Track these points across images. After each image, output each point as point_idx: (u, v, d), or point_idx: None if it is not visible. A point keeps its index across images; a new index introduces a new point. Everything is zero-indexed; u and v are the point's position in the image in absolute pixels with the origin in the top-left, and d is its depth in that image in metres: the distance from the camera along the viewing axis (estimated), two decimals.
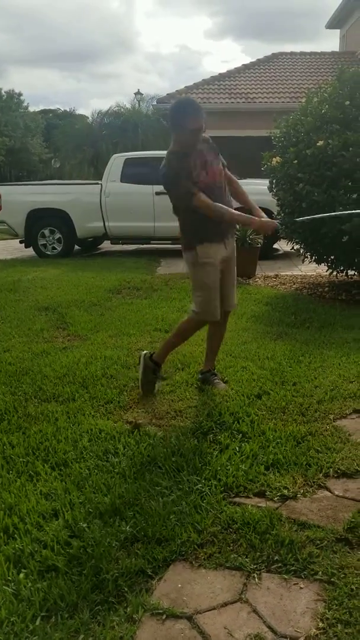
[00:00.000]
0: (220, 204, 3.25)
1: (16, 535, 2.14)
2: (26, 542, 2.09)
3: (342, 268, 6.44)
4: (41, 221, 10.14)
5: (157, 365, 3.51)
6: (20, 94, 60.68)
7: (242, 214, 3.39)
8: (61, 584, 1.88)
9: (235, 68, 20.60)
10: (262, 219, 3.38)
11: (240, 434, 2.90)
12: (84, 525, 2.18)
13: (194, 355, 4.05)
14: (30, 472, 2.59)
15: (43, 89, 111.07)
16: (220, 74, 20.12)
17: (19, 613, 1.78)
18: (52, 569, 1.97)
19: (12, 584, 1.90)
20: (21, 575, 1.94)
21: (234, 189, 3.48)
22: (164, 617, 1.77)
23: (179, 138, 3.22)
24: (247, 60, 28.62)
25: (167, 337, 3.63)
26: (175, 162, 3.23)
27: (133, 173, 9.91)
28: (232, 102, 18.45)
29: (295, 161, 5.91)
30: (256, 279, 7.48)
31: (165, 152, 3.40)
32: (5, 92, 58.97)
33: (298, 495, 2.38)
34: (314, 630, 1.70)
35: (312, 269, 7.83)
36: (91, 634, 1.71)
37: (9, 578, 1.93)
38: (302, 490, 2.42)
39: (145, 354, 3.53)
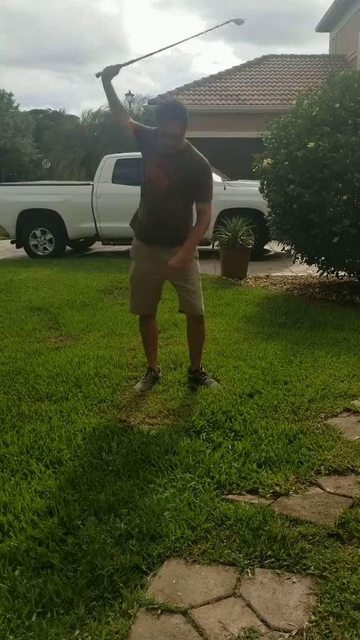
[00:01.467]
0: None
1: (11, 533, 2.16)
2: (21, 539, 2.11)
3: (332, 269, 6.49)
4: (32, 222, 10.12)
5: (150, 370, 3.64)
6: (11, 94, 60.49)
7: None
8: (56, 581, 1.90)
9: (226, 70, 20.67)
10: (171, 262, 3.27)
11: (233, 433, 2.93)
12: (79, 522, 2.20)
13: (187, 355, 4.07)
14: (25, 471, 2.60)
15: (34, 90, 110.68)
16: (211, 75, 20.17)
17: (15, 609, 1.80)
18: (47, 565, 1.99)
19: (8, 580, 1.92)
20: (17, 572, 1.96)
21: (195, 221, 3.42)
22: (159, 612, 1.79)
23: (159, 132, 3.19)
24: (238, 62, 28.74)
25: (195, 349, 3.70)
26: (148, 128, 3.26)
27: (124, 174, 9.90)
28: (223, 104, 18.51)
29: (286, 163, 5.96)
30: (247, 280, 7.52)
31: None
32: None
33: (290, 492, 2.42)
34: (307, 623, 1.73)
35: (302, 270, 7.88)
36: (87, 629, 1.73)
37: (5, 575, 1.94)
38: (294, 487, 2.45)
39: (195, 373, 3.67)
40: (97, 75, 3.34)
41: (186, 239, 3.29)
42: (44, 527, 2.17)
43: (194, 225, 3.35)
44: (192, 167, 3.20)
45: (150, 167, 3.26)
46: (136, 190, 3.54)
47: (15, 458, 2.71)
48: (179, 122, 3.07)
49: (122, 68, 3.34)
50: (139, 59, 3.55)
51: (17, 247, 10.42)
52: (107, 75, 3.31)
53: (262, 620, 1.75)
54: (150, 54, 3.67)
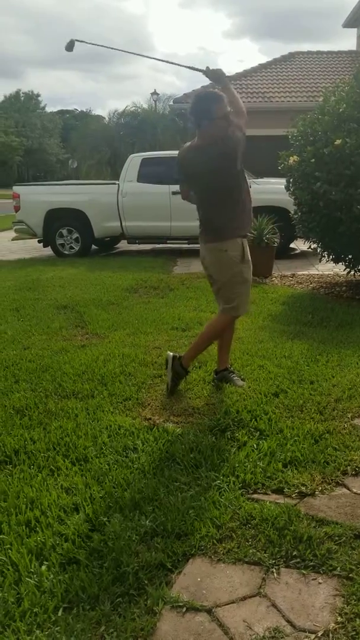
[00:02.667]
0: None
1: (38, 529, 2.18)
2: (48, 535, 2.14)
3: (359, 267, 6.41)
4: (59, 221, 10.20)
5: (187, 372, 3.55)
6: (38, 95, 61.24)
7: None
8: (82, 576, 1.92)
9: (252, 67, 20.55)
10: None
11: (258, 432, 2.92)
12: (105, 519, 2.21)
13: (211, 354, 4.06)
14: (51, 467, 2.63)
15: (60, 90, 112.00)
16: (236, 73, 20.06)
17: (41, 604, 1.82)
18: (73, 561, 2.01)
19: (35, 575, 1.94)
20: (43, 567, 1.98)
21: None
22: (184, 610, 1.79)
23: (208, 128, 3.21)
24: (264, 59, 28.57)
25: (195, 341, 3.62)
26: (223, 144, 3.20)
27: (150, 173, 9.93)
28: (249, 101, 18.37)
29: (313, 160, 5.90)
30: (273, 278, 7.47)
31: None
32: (23, 93, 59.52)
33: (316, 493, 2.40)
34: (333, 624, 1.72)
35: (329, 268, 7.80)
36: (112, 626, 1.74)
37: (32, 570, 1.97)
38: (320, 488, 2.43)
39: (173, 359, 3.48)
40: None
41: None
42: (70, 523, 2.19)
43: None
44: (234, 134, 3.25)
45: (240, 163, 3.26)
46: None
47: (42, 454, 2.74)
48: (225, 101, 3.20)
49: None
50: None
51: (44, 246, 10.52)
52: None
53: (288, 621, 1.74)
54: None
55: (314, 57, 21.22)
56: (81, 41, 3.53)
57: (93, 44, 3.54)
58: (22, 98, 60.41)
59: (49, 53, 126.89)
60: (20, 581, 1.92)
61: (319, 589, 1.87)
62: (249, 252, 3.47)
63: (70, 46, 3.59)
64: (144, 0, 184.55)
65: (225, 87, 3.30)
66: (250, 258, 3.47)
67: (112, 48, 3.83)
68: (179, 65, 3.78)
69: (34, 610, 1.80)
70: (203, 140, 3.28)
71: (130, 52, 3.54)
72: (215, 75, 3.34)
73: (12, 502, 2.34)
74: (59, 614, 1.79)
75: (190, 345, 3.64)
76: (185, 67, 3.87)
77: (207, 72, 3.36)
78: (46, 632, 1.72)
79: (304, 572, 1.94)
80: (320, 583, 1.90)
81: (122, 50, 3.70)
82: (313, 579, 1.92)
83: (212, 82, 3.42)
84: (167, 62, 4.27)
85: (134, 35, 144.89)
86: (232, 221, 3.36)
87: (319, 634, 1.69)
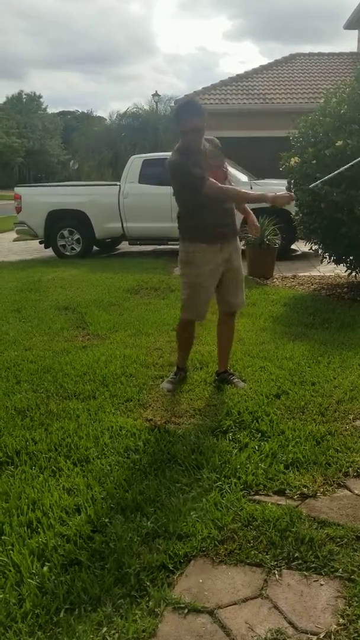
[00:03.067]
0: (231, 187, 3.37)
1: (39, 530, 2.18)
2: (49, 536, 2.13)
3: None
4: (60, 222, 10.21)
5: (181, 370, 3.60)
6: (40, 96, 61.34)
7: (252, 192, 3.43)
8: (84, 578, 1.92)
9: (253, 69, 20.56)
10: (276, 194, 3.36)
11: (260, 433, 2.91)
12: (106, 520, 2.21)
13: (213, 355, 4.06)
14: (53, 468, 2.63)
15: (62, 91, 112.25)
16: (237, 75, 20.09)
17: (43, 605, 1.82)
18: (75, 562, 2.01)
19: (36, 577, 1.94)
20: (45, 568, 1.98)
21: None
22: (186, 611, 1.79)
23: (182, 137, 3.29)
24: (265, 61, 28.61)
25: (229, 346, 3.76)
26: (183, 154, 3.27)
27: (151, 174, 9.94)
28: (250, 103, 18.43)
29: (314, 161, 5.90)
30: (274, 280, 7.47)
31: None
32: (25, 94, 59.62)
33: (318, 494, 2.40)
34: (335, 626, 1.72)
35: (330, 270, 7.80)
36: (114, 627, 1.74)
37: (34, 571, 1.97)
38: (321, 489, 2.43)
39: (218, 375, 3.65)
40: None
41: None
42: (72, 524, 2.19)
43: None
44: (219, 153, 3.37)
45: (211, 175, 3.26)
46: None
47: (43, 455, 2.74)
48: (195, 115, 3.20)
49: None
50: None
51: (45, 247, 10.54)
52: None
53: (290, 622, 1.74)
54: None
55: (315, 59, 21.23)
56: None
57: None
58: (25, 99, 60.51)
59: (52, 54, 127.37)
60: (22, 582, 1.92)
61: (320, 591, 1.87)
62: (194, 257, 3.42)
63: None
64: (146, 2, 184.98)
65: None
66: (195, 262, 3.42)
67: None
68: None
69: (36, 612, 1.80)
70: (180, 144, 3.35)
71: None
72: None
73: (13, 503, 2.34)
74: (61, 615, 1.79)
75: (220, 354, 3.74)
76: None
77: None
78: (48, 634, 1.72)
79: (306, 573, 1.94)
80: (322, 585, 1.90)
81: None
82: (315, 581, 1.91)
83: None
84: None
85: (138, 36, 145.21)
86: (194, 228, 3.40)
87: (321, 636, 1.69)
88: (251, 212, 3.58)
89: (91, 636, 1.71)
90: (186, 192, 3.34)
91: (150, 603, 1.82)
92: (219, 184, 3.26)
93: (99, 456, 2.72)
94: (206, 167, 3.23)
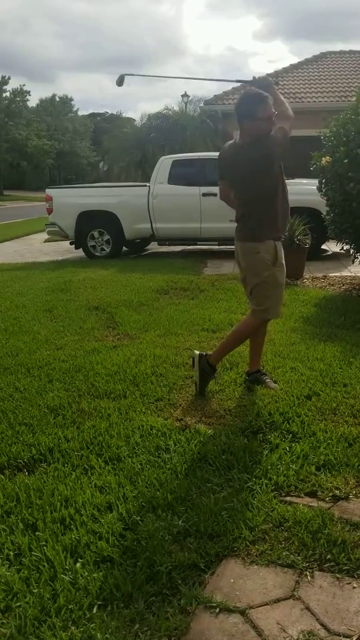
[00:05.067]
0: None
1: (72, 527, 2.21)
2: (82, 533, 2.16)
3: None
4: (90, 223, 10.31)
5: (214, 370, 3.54)
6: (71, 99, 62.04)
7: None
8: (117, 575, 1.94)
9: (283, 68, 20.46)
10: None
11: (291, 434, 2.90)
12: (138, 518, 2.23)
13: (243, 355, 4.05)
14: (85, 466, 2.66)
15: (92, 93, 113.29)
16: (267, 74, 19.92)
17: (76, 601, 1.84)
18: (107, 559, 2.03)
19: (70, 573, 1.97)
20: (78, 564, 2.00)
21: None
22: (217, 610, 1.80)
23: (250, 129, 3.25)
24: (295, 60, 28.37)
25: (225, 340, 3.64)
26: (262, 145, 3.23)
27: (180, 175, 9.97)
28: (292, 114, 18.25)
29: (346, 160, 5.84)
30: (304, 280, 7.41)
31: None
32: (59, 97, 60.38)
33: (350, 496, 2.37)
34: None
35: None
36: (146, 624, 1.75)
37: (67, 567, 1.99)
38: (354, 491, 2.41)
39: (200, 357, 3.48)
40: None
41: None
42: (104, 521, 2.22)
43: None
44: (275, 136, 3.26)
45: (278, 166, 3.30)
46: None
47: (76, 453, 2.78)
48: (269, 103, 3.22)
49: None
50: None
51: (76, 248, 10.65)
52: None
53: (322, 624, 1.73)
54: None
55: (346, 57, 21.01)
56: (131, 74, 3.60)
57: (142, 75, 3.70)
58: (57, 102, 61.27)
59: (82, 57, 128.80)
60: (56, 578, 1.95)
61: (353, 593, 1.85)
62: (282, 255, 3.45)
63: (120, 81, 3.67)
64: (175, 3, 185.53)
65: (272, 92, 3.31)
66: (283, 262, 3.46)
67: (163, 77, 3.94)
68: (227, 80, 3.84)
69: (69, 607, 1.82)
70: (244, 139, 3.32)
71: (182, 78, 3.67)
72: (261, 82, 3.35)
73: (47, 499, 2.38)
74: (94, 611, 1.81)
75: (219, 344, 3.65)
76: (233, 81, 3.93)
77: (254, 82, 3.37)
78: (81, 629, 1.74)
79: (338, 575, 1.93)
80: (354, 587, 1.88)
81: (175, 77, 3.77)
82: (347, 583, 1.90)
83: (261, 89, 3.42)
84: (216, 80, 4.37)
85: (167, 37, 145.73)
86: (267, 223, 3.36)
87: (354, 639, 1.67)
88: None
89: (124, 632, 1.73)
90: (274, 169, 3.30)
91: (182, 601, 1.83)
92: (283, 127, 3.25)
93: (130, 455, 2.74)
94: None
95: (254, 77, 3.38)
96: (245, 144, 3.30)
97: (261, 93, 3.26)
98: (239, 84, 19.25)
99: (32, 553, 2.07)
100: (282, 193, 3.38)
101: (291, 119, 3.30)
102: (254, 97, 3.25)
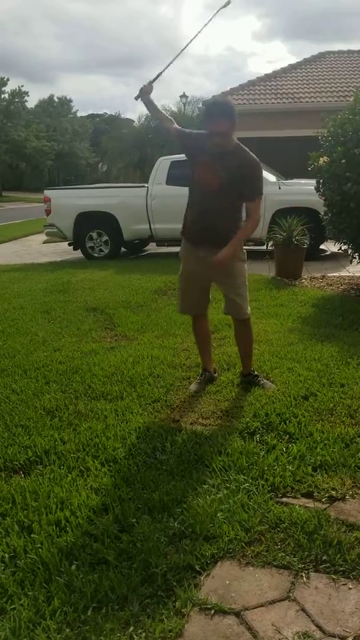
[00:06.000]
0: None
1: (68, 529, 2.21)
2: (77, 535, 2.16)
3: None
4: (89, 224, 10.31)
5: (205, 370, 3.65)
6: (70, 100, 62.06)
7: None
8: (112, 577, 1.93)
9: (282, 68, 20.41)
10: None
11: (287, 435, 2.89)
12: (133, 520, 2.23)
13: (240, 356, 4.05)
14: (81, 468, 2.66)
15: (91, 94, 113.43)
16: (266, 74, 19.98)
17: (71, 603, 1.84)
18: (102, 561, 2.03)
19: (65, 575, 1.96)
20: (73, 567, 2.00)
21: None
22: (212, 612, 1.79)
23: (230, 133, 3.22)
24: (294, 60, 28.38)
25: (244, 351, 3.68)
26: (197, 132, 3.32)
27: (179, 175, 9.92)
28: (278, 102, 18.29)
29: (343, 160, 5.84)
30: (302, 280, 7.41)
31: None
32: (57, 98, 60.42)
33: (346, 497, 2.37)
34: None
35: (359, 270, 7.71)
36: (141, 626, 1.75)
37: (62, 569, 1.99)
38: (350, 492, 2.40)
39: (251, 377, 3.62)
40: (136, 98, 3.50)
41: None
42: (99, 523, 2.21)
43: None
44: (242, 165, 3.20)
45: (200, 168, 3.27)
46: None
47: (72, 455, 2.77)
48: (226, 120, 3.10)
49: (153, 83, 3.48)
50: (163, 70, 3.57)
51: (74, 249, 10.65)
52: (144, 94, 3.44)
53: (317, 626, 1.73)
54: (167, 66, 3.63)
55: (344, 57, 20.97)
56: (155, 79, 3.51)
57: (158, 76, 3.54)
58: (56, 103, 61.28)
59: (82, 58, 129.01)
60: (51, 580, 1.94)
61: (349, 595, 1.85)
62: (185, 251, 3.54)
63: (144, 93, 3.57)
64: (174, 4, 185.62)
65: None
66: (183, 257, 3.57)
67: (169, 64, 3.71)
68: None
69: (64, 609, 1.82)
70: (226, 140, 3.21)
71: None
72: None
73: (42, 501, 2.37)
74: (89, 613, 1.81)
75: (243, 356, 3.70)
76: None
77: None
78: (76, 631, 1.74)
79: (334, 577, 1.92)
80: (350, 588, 1.87)
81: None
82: (343, 584, 1.89)
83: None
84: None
85: (166, 38, 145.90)
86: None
87: None
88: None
89: (118, 635, 1.72)
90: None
91: (177, 603, 1.82)
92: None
93: (127, 456, 2.74)
94: (205, 157, 3.21)
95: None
96: (229, 150, 3.24)
97: (219, 102, 3.24)
98: (237, 85, 19.27)
99: (27, 555, 2.07)
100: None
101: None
102: (209, 106, 3.22)
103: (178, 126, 3.47)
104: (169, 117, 3.52)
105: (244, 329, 3.62)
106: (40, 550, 2.08)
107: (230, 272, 3.41)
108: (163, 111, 3.66)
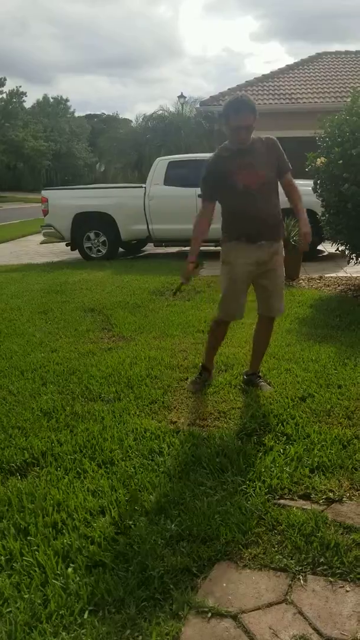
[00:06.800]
0: (198, 228, 3.45)
1: (64, 531, 2.20)
2: (74, 537, 2.15)
3: None
4: (86, 224, 10.30)
5: (206, 370, 3.58)
6: (67, 100, 62.05)
7: (195, 248, 3.49)
8: (108, 579, 1.93)
9: (279, 69, 20.43)
10: None
11: (285, 437, 2.89)
12: (130, 522, 2.22)
13: (237, 357, 4.05)
14: (78, 470, 2.65)
15: (89, 95, 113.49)
16: (263, 75, 19.98)
17: (67, 606, 1.83)
18: (99, 564, 2.02)
19: (61, 578, 1.95)
20: (69, 569, 1.99)
21: (288, 194, 3.49)
22: (209, 615, 1.79)
23: (227, 133, 3.28)
24: (291, 61, 28.41)
25: (259, 350, 3.68)
26: (211, 162, 3.35)
27: (176, 176, 9.96)
28: (276, 103, 18.28)
29: (341, 161, 5.83)
30: (300, 281, 7.41)
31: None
32: (52, 98, 60.44)
33: (344, 499, 2.36)
34: None
35: (357, 271, 7.70)
36: (137, 629, 1.74)
37: (58, 572, 1.98)
38: (348, 494, 2.40)
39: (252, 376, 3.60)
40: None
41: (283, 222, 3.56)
42: (96, 526, 2.21)
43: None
44: (268, 148, 3.31)
45: (234, 175, 3.26)
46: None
47: (69, 457, 2.76)
48: (251, 114, 3.17)
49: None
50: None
51: (72, 249, 10.64)
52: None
53: (315, 629, 1.72)
54: None
55: (342, 58, 21.00)
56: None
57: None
58: (52, 103, 61.27)
59: (80, 59, 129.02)
60: (47, 583, 1.93)
61: (346, 597, 1.84)
62: (230, 255, 3.46)
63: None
64: (173, 5, 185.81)
65: None
66: (230, 261, 3.47)
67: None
68: None
69: (60, 612, 1.81)
70: (225, 143, 3.35)
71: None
72: None
73: (39, 504, 2.36)
74: (85, 616, 1.80)
75: (255, 356, 3.70)
76: None
77: None
78: (72, 635, 1.73)
79: (331, 579, 1.92)
80: (347, 591, 1.87)
81: None
82: (340, 587, 1.89)
83: None
84: None
85: (164, 39, 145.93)
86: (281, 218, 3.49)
87: None
88: (303, 218, 3.54)
89: (115, 638, 1.71)
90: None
91: (174, 606, 1.81)
92: (197, 219, 3.46)
93: (124, 458, 2.73)
94: (239, 168, 3.25)
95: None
96: (218, 148, 3.36)
97: (240, 99, 3.23)
98: (234, 86, 19.26)
99: (24, 558, 2.06)
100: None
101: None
102: (230, 103, 3.24)
103: (208, 200, 3.47)
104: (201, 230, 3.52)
105: (271, 327, 3.68)
106: (36, 552, 2.07)
107: (281, 262, 3.52)
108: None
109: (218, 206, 3.46)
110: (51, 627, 1.76)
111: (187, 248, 11.31)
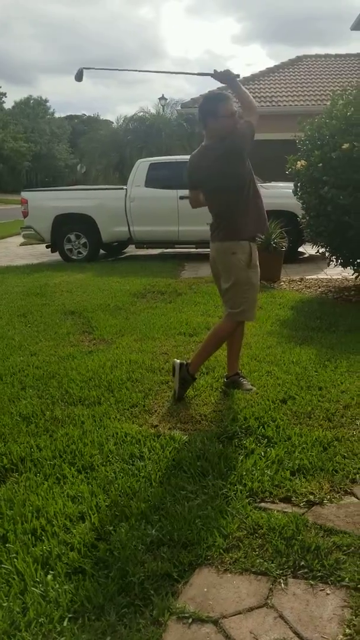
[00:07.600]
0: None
1: (44, 538, 2.17)
2: (53, 544, 2.12)
3: None
4: (67, 226, 10.24)
5: (194, 378, 3.53)
6: (46, 101, 61.73)
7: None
8: (88, 586, 1.90)
9: (260, 71, 20.54)
10: None
11: (266, 439, 2.89)
12: (111, 528, 2.20)
13: (219, 360, 4.05)
14: (58, 475, 2.62)
15: (70, 96, 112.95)
16: (244, 77, 19.98)
17: (47, 614, 1.81)
18: (79, 571, 1.99)
19: (40, 585, 1.93)
20: (49, 577, 1.97)
21: None
22: (190, 620, 1.78)
23: (214, 127, 3.28)
24: (272, 63, 28.59)
25: (201, 346, 3.58)
26: (229, 141, 3.26)
27: (157, 178, 9.96)
28: (257, 105, 18.34)
29: (320, 164, 5.88)
30: (281, 283, 7.45)
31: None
32: (33, 99, 60.10)
33: (324, 501, 2.37)
34: (341, 636, 1.69)
35: (337, 273, 7.77)
36: (118, 636, 1.72)
37: (37, 579, 1.95)
38: (328, 496, 2.40)
39: (180, 366, 3.44)
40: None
41: None
42: (75, 532, 2.18)
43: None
44: (237, 130, 3.26)
45: (247, 163, 3.32)
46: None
47: (48, 462, 2.73)
48: (231, 101, 3.25)
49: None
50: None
51: (52, 251, 10.57)
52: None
53: (295, 632, 1.72)
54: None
55: (321, 61, 21.20)
56: (89, 68, 3.59)
57: (101, 69, 3.63)
58: (32, 104, 60.91)
59: (61, 60, 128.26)
60: (26, 591, 1.91)
61: (327, 600, 1.85)
62: (257, 257, 3.45)
63: (79, 75, 3.64)
64: (155, 7, 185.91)
65: (234, 86, 3.31)
66: (257, 264, 3.47)
67: (118, 69, 3.87)
68: (187, 73, 3.83)
69: (40, 620, 1.78)
70: (210, 139, 3.36)
71: (137, 70, 3.53)
72: (222, 76, 3.34)
73: (18, 510, 2.33)
74: (65, 624, 1.77)
75: (196, 351, 3.62)
76: (194, 74, 3.87)
77: (215, 75, 3.37)
78: None
79: (312, 582, 1.92)
80: (328, 594, 1.87)
81: (130, 70, 3.70)
82: (321, 590, 1.89)
83: (221, 83, 3.44)
84: (176, 72, 4.61)
85: (146, 41, 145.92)
86: (241, 222, 3.36)
87: None
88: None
89: None
90: (244, 165, 3.34)
91: (154, 612, 1.80)
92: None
93: (104, 463, 2.71)
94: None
95: (214, 70, 3.36)
96: (212, 143, 3.33)
97: (221, 92, 3.36)
98: (215, 88, 19.34)
99: (2, 565, 2.03)
100: (254, 193, 3.38)
101: (255, 111, 3.35)
102: (215, 96, 3.34)
103: (194, 191, 3.57)
104: None
105: (243, 325, 3.70)
106: (15, 560, 2.04)
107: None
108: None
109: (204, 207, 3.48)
110: (30, 636, 1.73)
111: (169, 250, 11.37)
